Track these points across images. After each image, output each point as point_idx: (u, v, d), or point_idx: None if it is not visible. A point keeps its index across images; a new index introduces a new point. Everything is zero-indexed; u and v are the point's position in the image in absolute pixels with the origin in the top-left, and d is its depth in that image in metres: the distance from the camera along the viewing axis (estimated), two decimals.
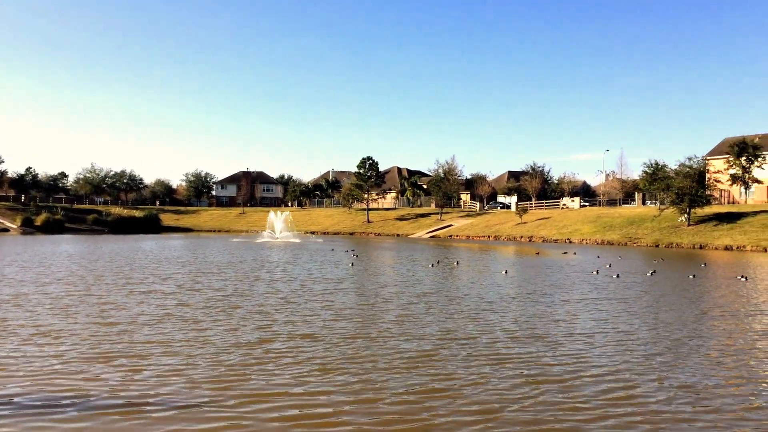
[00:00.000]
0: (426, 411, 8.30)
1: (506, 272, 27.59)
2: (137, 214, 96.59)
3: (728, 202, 72.53)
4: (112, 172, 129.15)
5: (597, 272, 28.33)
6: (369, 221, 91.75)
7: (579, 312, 16.45)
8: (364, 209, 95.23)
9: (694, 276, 26.72)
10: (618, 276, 26.33)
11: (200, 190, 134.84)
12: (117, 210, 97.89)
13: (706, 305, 17.95)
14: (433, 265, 31.41)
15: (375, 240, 69.79)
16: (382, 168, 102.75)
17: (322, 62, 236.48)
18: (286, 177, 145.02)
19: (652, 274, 27.52)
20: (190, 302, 17.38)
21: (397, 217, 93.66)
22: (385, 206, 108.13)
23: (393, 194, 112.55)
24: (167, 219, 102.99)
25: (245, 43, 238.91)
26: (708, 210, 62.08)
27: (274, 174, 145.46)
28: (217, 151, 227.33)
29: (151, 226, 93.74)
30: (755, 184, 72.13)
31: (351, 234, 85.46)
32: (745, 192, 74.09)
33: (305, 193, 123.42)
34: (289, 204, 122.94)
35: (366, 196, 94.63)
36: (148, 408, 8.29)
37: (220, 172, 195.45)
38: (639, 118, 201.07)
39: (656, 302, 18.48)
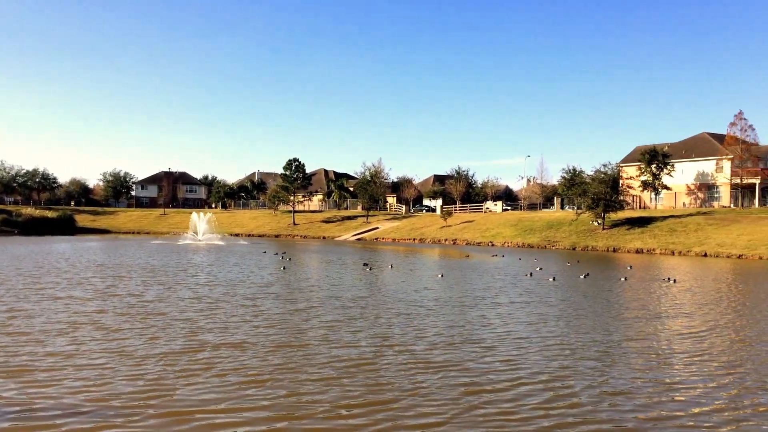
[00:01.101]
0: (362, 428, 7.98)
1: (442, 275, 27.98)
2: (50, 214, 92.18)
3: (640, 207, 76.19)
4: (24, 171, 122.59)
5: (530, 275, 29.24)
6: (295, 223, 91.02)
7: (515, 315, 16.74)
8: (290, 211, 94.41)
9: (625, 278, 28.01)
10: (554, 279, 27.22)
11: (119, 190, 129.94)
12: (28, 210, 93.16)
13: (640, 308, 18.72)
14: (371, 268, 31.53)
15: (301, 242, 69.35)
16: (308, 170, 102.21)
17: (246, 62, 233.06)
18: (210, 178, 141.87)
19: (585, 276, 28.65)
20: (106, 309, 16.64)
21: (324, 219, 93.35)
22: (312, 208, 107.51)
23: (319, 196, 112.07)
24: (83, 220, 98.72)
25: (168, 41, 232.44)
26: (621, 215, 65.05)
27: (197, 174, 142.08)
28: (137, 151, 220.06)
29: (65, 227, 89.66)
30: (664, 191, 76.09)
31: (276, 236, 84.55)
32: (655, 198, 78.01)
33: (230, 195, 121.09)
34: (213, 205, 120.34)
35: (292, 198, 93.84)
36: (56, 428, 7.73)
37: (140, 172, 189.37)
38: (559, 125, 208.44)
39: (592, 305, 19.08)
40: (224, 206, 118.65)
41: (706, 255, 50.13)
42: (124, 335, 13.18)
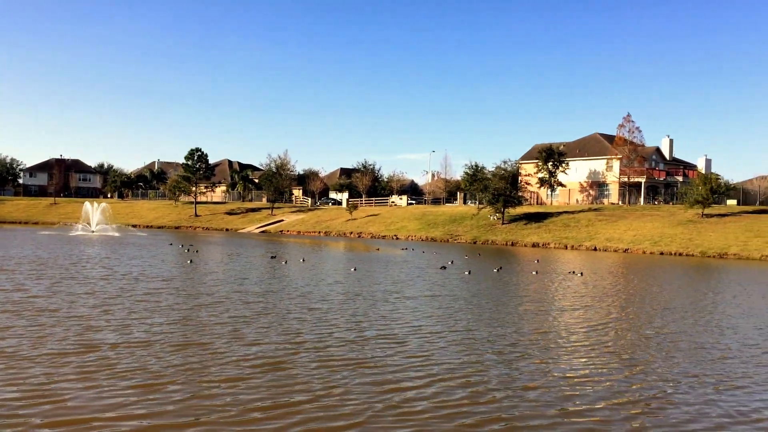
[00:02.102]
0: None
1: (354, 269, 28.05)
2: None
3: (537, 203, 79.55)
4: None
5: (444, 268, 29.90)
6: (197, 215, 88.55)
7: (428, 310, 16.92)
8: (192, 202, 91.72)
9: (536, 272, 29.22)
10: (470, 273, 27.87)
11: (4, 177, 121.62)
12: None
13: (551, 300, 19.48)
14: (285, 262, 31.12)
15: (203, 234, 67.58)
16: (212, 160, 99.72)
17: (146, 45, 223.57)
18: (106, 166, 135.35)
19: (498, 270, 29.61)
20: None
21: (227, 211, 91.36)
22: (215, 200, 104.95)
23: (223, 187, 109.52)
24: None
25: (57, 21, 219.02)
26: (520, 210, 67.73)
27: (92, 162, 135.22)
28: (25, 136, 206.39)
29: None
30: (560, 188, 79.84)
31: (177, 228, 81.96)
32: (551, 194, 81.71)
33: (127, 184, 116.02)
34: (109, 195, 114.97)
35: (194, 188, 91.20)
36: None
37: (29, 159, 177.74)
38: (463, 122, 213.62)
39: (506, 298, 19.67)
40: (121, 196, 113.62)
41: (596, 249, 53.13)
42: (8, 334, 12.23)
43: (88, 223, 63.12)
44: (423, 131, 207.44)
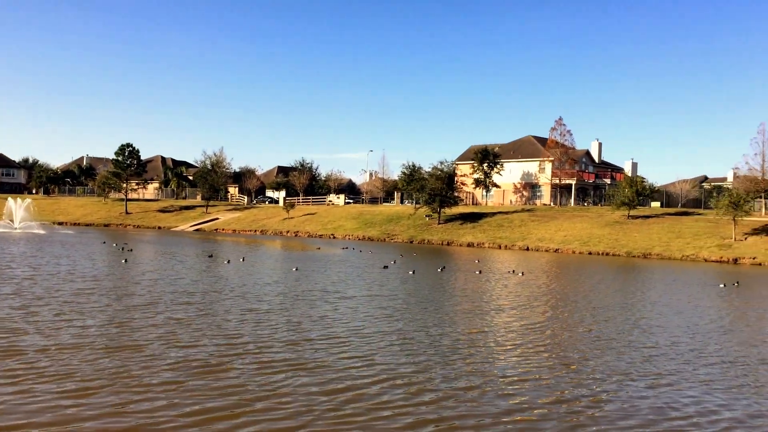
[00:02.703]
0: None
1: (296, 269, 27.75)
2: None
3: (472, 204, 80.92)
4: None
5: (386, 267, 30.02)
6: (127, 212, 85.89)
7: (369, 311, 16.90)
8: (122, 200, 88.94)
9: (480, 271, 29.69)
10: (414, 272, 28.03)
11: None
12: None
13: (492, 299, 19.82)
14: (228, 261, 30.59)
15: (134, 233, 65.60)
16: (144, 156, 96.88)
17: (76, 36, 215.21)
18: (30, 161, 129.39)
19: (442, 269, 29.89)
20: None
21: (160, 208, 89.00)
22: (147, 197, 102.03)
23: (156, 185, 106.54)
24: None
25: None
26: (455, 210, 68.76)
27: (15, 156, 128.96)
28: None
29: None
30: (494, 188, 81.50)
31: (106, 226, 79.25)
32: (486, 195, 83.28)
33: (54, 180, 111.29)
34: (34, 191, 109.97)
35: (125, 185, 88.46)
36: None
37: None
38: (400, 122, 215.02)
39: (449, 297, 19.89)
40: (47, 192, 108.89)
41: (528, 249, 54.51)
42: None
43: (11, 220, 60.35)
44: (361, 131, 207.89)
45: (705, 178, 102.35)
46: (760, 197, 58.90)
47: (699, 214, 59.28)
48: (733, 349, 13.63)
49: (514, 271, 30.59)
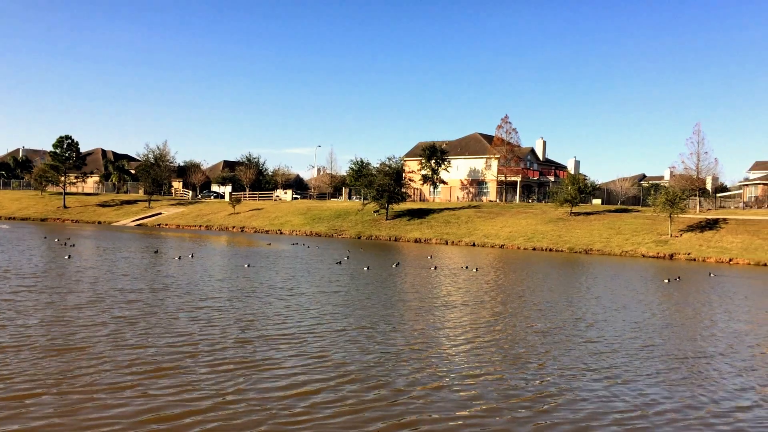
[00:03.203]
0: None
1: (248, 265, 27.38)
2: None
3: (420, 200, 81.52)
4: None
5: (340, 263, 29.90)
6: (66, 206, 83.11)
7: (326, 307, 16.76)
8: (60, 193, 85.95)
9: (435, 267, 30.06)
10: (368, 268, 28.04)
11: None
12: None
13: (444, 296, 19.91)
14: (180, 257, 30.01)
15: (73, 227, 63.47)
16: (84, 149, 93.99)
17: (17, 24, 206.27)
18: None
19: (396, 266, 30.01)
20: None
21: (100, 203, 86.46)
22: (86, 191, 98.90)
23: (96, 178, 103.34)
24: None
25: None
26: (403, 206, 69.15)
27: None
28: None
29: None
30: (441, 185, 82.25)
31: (43, 220, 76.54)
32: (434, 191, 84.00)
33: None
34: None
35: (63, 178, 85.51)
36: None
37: None
38: (348, 118, 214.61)
39: (405, 294, 19.84)
40: None
41: (474, 245, 55.30)
42: None
43: None
44: (309, 126, 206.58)
45: (643, 177, 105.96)
46: (695, 195, 61.30)
47: (638, 211, 61.30)
48: (675, 343, 14.16)
49: (467, 267, 30.97)
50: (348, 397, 9.19)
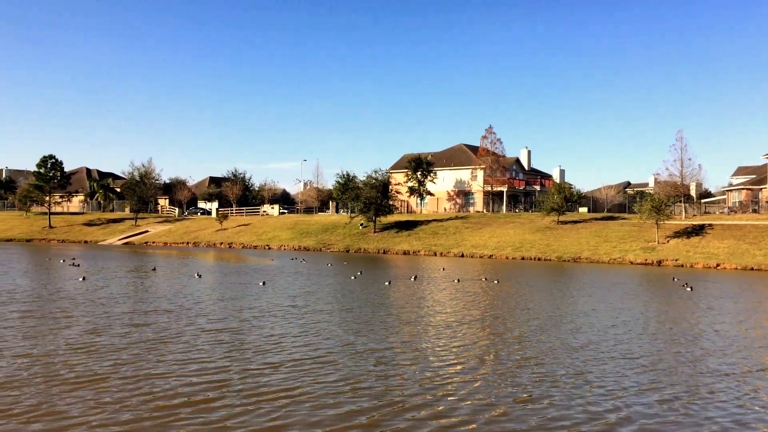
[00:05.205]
0: None
1: (264, 283, 26.50)
2: None
3: (407, 212, 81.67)
4: None
5: (355, 277, 30.06)
6: (51, 226, 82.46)
7: (325, 323, 16.65)
8: (46, 213, 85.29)
9: (415, 277, 30.22)
10: (390, 283, 27.91)
11: None
12: None
13: (430, 306, 19.90)
14: (200, 275, 29.64)
15: (59, 247, 62.92)
16: (68, 168, 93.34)
17: None
18: None
19: (414, 279, 30.14)
20: None
21: (86, 222, 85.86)
22: (72, 210, 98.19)
23: (81, 197, 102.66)
24: None
25: None
26: (391, 218, 69.20)
27: None
28: None
29: None
30: (428, 196, 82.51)
31: (28, 241, 75.82)
32: (421, 203, 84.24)
33: None
34: None
35: (48, 198, 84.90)
36: None
37: None
38: (334, 131, 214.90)
39: (398, 307, 19.80)
40: None
41: (463, 255, 55.39)
42: None
43: None
44: (294, 141, 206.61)
45: (628, 184, 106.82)
46: (680, 201, 61.88)
47: (624, 219, 61.73)
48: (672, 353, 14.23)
49: (486, 278, 30.82)
50: (342, 409, 9.16)
